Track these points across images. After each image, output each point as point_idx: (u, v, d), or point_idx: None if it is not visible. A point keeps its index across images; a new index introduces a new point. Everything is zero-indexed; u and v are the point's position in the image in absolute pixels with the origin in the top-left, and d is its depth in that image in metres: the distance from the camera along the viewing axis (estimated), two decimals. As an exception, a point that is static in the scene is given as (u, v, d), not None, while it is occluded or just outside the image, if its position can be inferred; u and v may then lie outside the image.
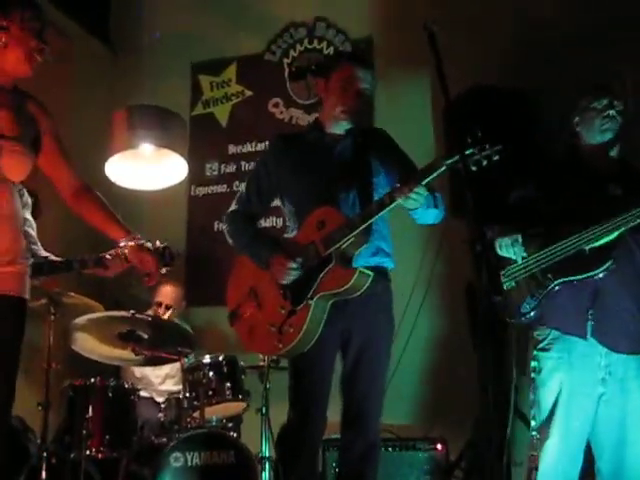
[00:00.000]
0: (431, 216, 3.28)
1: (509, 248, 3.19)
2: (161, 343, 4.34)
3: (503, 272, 3.22)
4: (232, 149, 6.01)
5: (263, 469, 4.30)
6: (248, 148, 5.95)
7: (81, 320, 4.12)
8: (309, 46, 5.96)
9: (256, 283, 3.35)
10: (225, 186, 5.97)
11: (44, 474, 3.79)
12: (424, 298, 4.87)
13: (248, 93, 6.07)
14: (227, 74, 6.14)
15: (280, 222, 5.39)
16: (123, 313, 4.24)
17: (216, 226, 5.79)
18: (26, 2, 2.79)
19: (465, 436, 4.46)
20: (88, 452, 4.05)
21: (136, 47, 6.32)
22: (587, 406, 3.13)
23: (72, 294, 4.21)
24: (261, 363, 4.46)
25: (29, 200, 3.87)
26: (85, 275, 3.20)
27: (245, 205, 3.50)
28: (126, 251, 2.95)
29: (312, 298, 3.14)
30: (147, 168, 5.25)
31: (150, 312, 5.05)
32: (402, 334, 4.39)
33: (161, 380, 5.13)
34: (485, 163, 2.79)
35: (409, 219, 3.28)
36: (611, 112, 3.25)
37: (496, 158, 2.80)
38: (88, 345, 4.26)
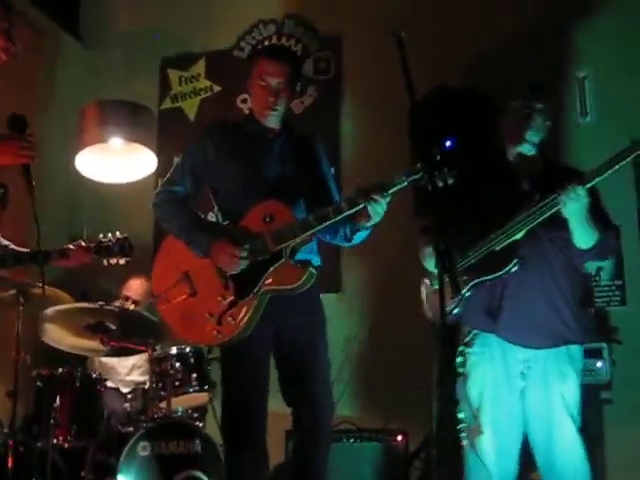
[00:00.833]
0: (364, 234, 3.23)
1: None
2: (129, 334, 4.41)
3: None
4: (200, 143, 6.03)
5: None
6: (216, 143, 5.97)
7: (50, 311, 4.16)
8: (278, 43, 5.95)
9: (191, 268, 3.19)
10: (192, 180, 5.98)
11: (11, 462, 3.79)
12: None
13: (217, 88, 6.11)
14: (196, 69, 6.17)
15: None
16: (92, 304, 4.29)
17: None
18: None
19: (426, 429, 4.51)
20: (55, 441, 4.09)
21: (106, 41, 6.34)
22: (510, 399, 3.21)
23: (41, 285, 4.23)
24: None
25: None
26: (50, 266, 3.21)
27: (179, 186, 3.31)
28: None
29: (258, 292, 3.10)
30: (117, 161, 5.30)
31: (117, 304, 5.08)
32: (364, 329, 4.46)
33: (128, 371, 5.16)
34: (441, 185, 2.86)
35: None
36: (534, 114, 3.30)
37: (451, 182, 2.90)
38: (57, 335, 4.31)
